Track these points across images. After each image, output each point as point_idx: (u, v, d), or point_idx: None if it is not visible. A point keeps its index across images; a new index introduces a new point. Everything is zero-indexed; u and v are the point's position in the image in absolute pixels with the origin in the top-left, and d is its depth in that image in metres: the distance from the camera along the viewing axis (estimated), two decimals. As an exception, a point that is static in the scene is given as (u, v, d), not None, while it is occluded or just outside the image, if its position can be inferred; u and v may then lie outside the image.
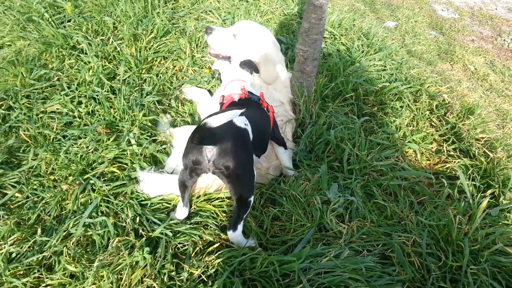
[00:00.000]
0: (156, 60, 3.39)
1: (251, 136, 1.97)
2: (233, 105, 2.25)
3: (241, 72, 2.50)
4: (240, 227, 1.94)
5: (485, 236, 1.97)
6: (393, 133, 2.71)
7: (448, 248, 1.94)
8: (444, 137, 2.81)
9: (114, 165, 2.43)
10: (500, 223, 2.07)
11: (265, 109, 2.34)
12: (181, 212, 2.13)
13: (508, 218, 2.10)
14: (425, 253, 1.92)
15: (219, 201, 2.28)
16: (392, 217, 2.19)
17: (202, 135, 1.71)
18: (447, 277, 1.86)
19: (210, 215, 2.21)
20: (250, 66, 2.51)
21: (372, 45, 3.93)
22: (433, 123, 2.94)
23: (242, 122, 1.94)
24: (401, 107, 3.03)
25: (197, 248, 1.99)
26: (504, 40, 4.91)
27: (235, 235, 1.96)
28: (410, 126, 2.87)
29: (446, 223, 1.98)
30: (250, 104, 2.24)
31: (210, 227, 2.14)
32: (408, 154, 2.71)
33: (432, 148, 2.75)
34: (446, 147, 2.72)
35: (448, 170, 2.57)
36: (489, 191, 2.32)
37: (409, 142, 2.70)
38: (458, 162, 2.58)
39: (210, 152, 1.81)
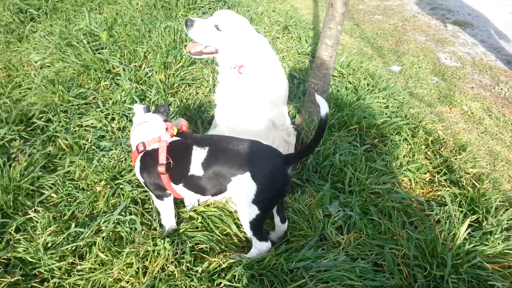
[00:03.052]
0: (181, 87, 3.79)
1: None
2: None
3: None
4: None
5: (466, 252, 2.23)
6: (391, 162, 3.02)
7: (433, 261, 2.19)
8: (437, 169, 3.09)
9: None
10: (481, 244, 2.32)
11: None
12: None
13: (489, 239, 2.35)
14: (413, 264, 2.18)
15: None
16: (385, 232, 2.46)
17: None
18: (431, 285, 2.11)
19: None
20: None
21: (376, 85, 4.30)
22: (427, 156, 3.24)
23: None
24: (400, 140, 3.35)
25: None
26: (501, 89, 5.25)
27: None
28: (406, 157, 3.17)
29: (433, 238, 2.25)
30: None
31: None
32: (404, 182, 3.00)
33: (425, 178, 3.04)
34: (438, 177, 3.00)
35: (439, 198, 2.84)
36: (474, 216, 2.59)
37: (404, 170, 2.99)
38: (447, 190, 2.87)
39: None
